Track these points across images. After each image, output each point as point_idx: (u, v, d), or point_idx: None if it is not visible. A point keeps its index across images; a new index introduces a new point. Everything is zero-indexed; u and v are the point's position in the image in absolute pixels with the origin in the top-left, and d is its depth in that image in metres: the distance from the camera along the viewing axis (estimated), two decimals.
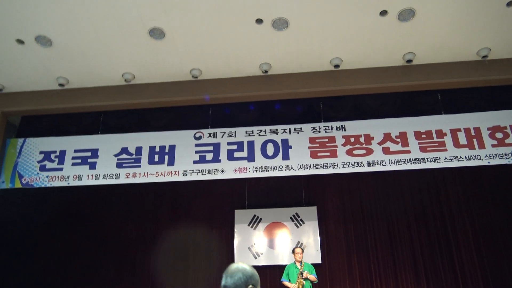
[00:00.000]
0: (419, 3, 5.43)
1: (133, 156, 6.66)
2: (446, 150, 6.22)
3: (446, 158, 6.18)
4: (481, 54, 6.29)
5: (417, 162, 6.21)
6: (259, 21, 5.64)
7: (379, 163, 6.25)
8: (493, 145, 6.18)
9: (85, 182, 6.53)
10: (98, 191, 7.30)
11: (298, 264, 5.88)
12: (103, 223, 7.54)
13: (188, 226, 7.32)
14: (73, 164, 6.67)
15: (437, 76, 6.47)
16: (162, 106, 7.00)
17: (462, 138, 6.28)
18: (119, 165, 6.61)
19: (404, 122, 6.49)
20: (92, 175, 6.54)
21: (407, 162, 6.22)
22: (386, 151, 6.32)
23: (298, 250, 5.99)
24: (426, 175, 7.01)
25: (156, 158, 6.61)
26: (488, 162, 6.10)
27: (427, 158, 6.21)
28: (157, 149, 6.66)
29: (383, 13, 5.56)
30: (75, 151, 6.76)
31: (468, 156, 6.15)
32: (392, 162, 6.23)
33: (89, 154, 6.73)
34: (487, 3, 5.45)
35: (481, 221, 6.79)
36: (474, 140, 6.25)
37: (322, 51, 6.29)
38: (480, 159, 6.12)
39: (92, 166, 6.63)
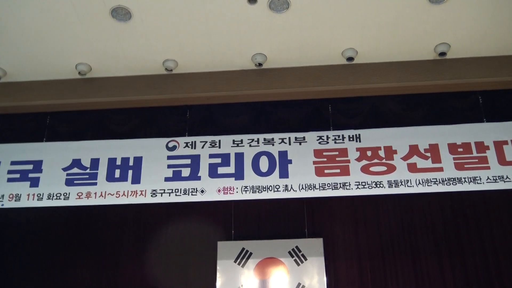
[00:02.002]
0: None
1: (88, 171, 6.58)
2: (488, 168, 6.19)
3: (488, 178, 6.13)
4: None
5: (451, 182, 6.16)
6: (252, 1, 5.59)
7: (403, 183, 6.21)
8: None
9: (24, 203, 6.41)
10: (39, 215, 7.18)
11: None
12: (45, 258, 7.33)
13: (158, 261, 7.20)
14: (9, 180, 6.57)
15: (477, 74, 6.48)
16: (126, 107, 7.00)
17: (509, 153, 6.24)
18: (69, 182, 6.51)
19: (435, 132, 6.49)
20: (33, 195, 6.42)
21: (439, 182, 6.17)
22: (412, 168, 6.28)
23: None
24: (463, 200, 6.96)
25: (117, 173, 6.54)
26: None
27: (465, 178, 6.16)
28: (118, 162, 6.61)
29: None
30: (12, 163, 6.68)
31: None
32: (419, 183, 6.19)
33: (30, 167, 6.64)
34: None
35: None
36: None
37: (332, 40, 6.31)
38: None
39: (34, 182, 6.52)
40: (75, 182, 6.51)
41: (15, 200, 6.43)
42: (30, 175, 6.59)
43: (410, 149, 6.40)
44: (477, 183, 6.11)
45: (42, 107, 6.89)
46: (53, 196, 6.43)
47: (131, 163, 6.60)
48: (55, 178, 6.54)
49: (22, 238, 7.58)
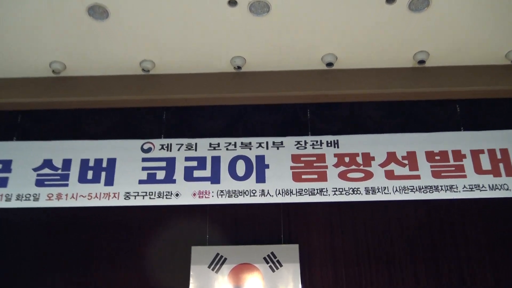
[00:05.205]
0: None
1: (59, 172, 6.51)
2: (465, 176, 6.27)
3: (464, 186, 6.23)
4: None
5: (428, 190, 6.26)
6: (232, 3, 5.64)
7: (380, 190, 6.29)
8: None
9: None
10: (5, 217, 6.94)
11: None
12: (8, 264, 7.02)
13: (130, 266, 7.01)
14: None
15: (456, 82, 6.56)
16: (101, 107, 6.97)
17: (485, 162, 6.33)
18: (39, 183, 6.44)
19: (413, 139, 6.55)
20: (1, 195, 6.33)
21: (416, 190, 6.26)
22: (390, 175, 6.35)
23: None
24: (439, 208, 6.88)
25: (90, 175, 6.49)
26: None
27: (441, 186, 6.26)
28: (91, 163, 6.56)
29: (391, 0, 5.61)
30: None
31: (493, 186, 6.21)
32: (396, 190, 6.27)
33: None
34: None
35: (507, 268, 6.71)
36: (500, 164, 6.30)
37: (312, 45, 6.36)
38: (508, 189, 6.17)
39: (3, 182, 6.43)
40: (45, 183, 6.45)
41: None
42: None
43: (388, 156, 6.46)
44: (454, 191, 6.22)
45: (13, 105, 6.83)
46: (22, 197, 6.36)
47: (104, 165, 6.56)
48: (25, 178, 6.47)
49: None
